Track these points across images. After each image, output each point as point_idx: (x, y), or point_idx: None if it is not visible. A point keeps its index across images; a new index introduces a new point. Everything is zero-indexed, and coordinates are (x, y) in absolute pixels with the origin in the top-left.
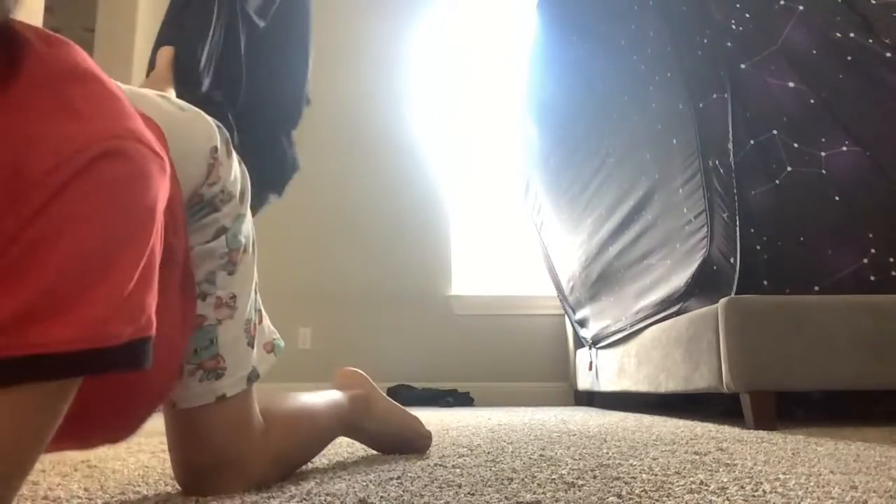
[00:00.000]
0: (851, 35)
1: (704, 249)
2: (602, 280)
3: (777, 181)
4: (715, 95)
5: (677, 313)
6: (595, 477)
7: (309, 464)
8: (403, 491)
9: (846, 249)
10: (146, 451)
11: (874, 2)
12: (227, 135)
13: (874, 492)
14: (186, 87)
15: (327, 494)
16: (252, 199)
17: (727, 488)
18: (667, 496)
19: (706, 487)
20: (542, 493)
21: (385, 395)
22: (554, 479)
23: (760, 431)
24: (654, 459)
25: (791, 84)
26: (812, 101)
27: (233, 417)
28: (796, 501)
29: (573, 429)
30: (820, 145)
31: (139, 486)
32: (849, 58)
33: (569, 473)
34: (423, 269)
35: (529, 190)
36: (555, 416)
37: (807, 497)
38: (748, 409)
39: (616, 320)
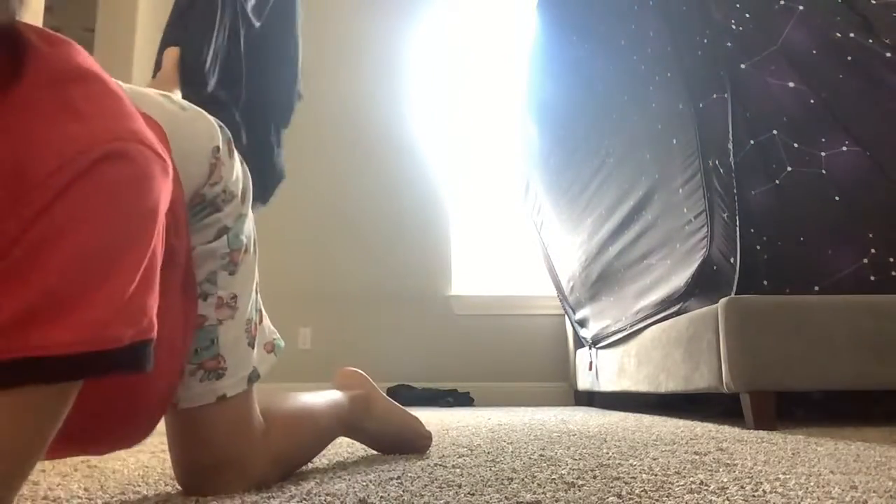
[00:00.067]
0: (851, 35)
1: (704, 249)
2: (602, 280)
3: (777, 181)
4: (715, 95)
5: (677, 313)
6: (595, 477)
7: (309, 464)
8: (403, 491)
9: (846, 249)
10: (146, 451)
11: (874, 2)
12: (229, 134)
13: (874, 492)
14: (192, 87)
15: (327, 494)
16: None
17: (727, 488)
18: (667, 496)
19: (706, 487)
20: (542, 493)
21: (385, 395)
22: (554, 479)
23: (760, 431)
24: (654, 459)
25: (791, 84)
26: (812, 101)
27: (233, 417)
28: (796, 501)
29: (573, 429)
30: (820, 145)
31: (139, 486)
32: (849, 58)
33: (569, 473)
34: (423, 269)
35: (529, 190)
36: (555, 416)
37: (807, 497)
38: (748, 409)
39: (616, 320)
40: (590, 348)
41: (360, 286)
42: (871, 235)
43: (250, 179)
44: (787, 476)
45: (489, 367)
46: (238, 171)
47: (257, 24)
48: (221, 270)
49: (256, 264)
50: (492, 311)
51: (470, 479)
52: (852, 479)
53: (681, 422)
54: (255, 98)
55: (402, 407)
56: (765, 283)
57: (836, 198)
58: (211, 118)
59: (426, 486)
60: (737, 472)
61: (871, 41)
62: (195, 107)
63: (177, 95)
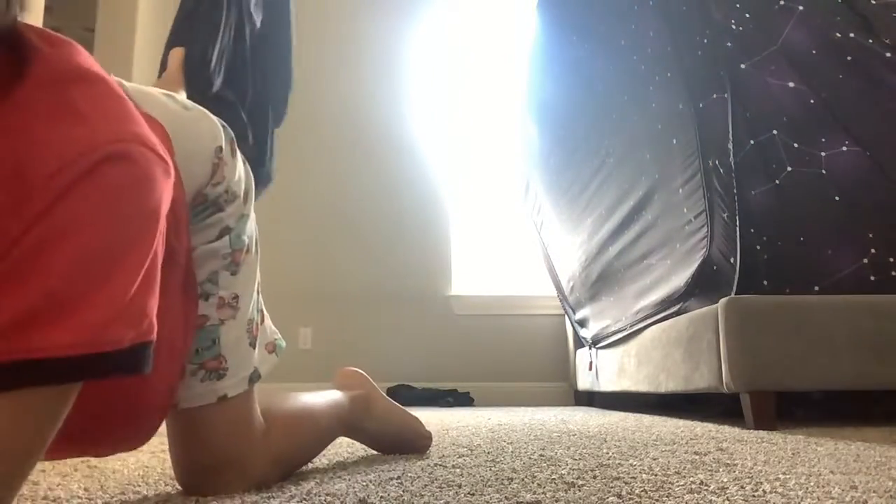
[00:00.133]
0: (851, 35)
1: (704, 249)
2: (602, 280)
3: (777, 181)
4: (715, 95)
5: (677, 313)
6: (595, 477)
7: (309, 464)
8: (403, 491)
9: (846, 249)
10: (146, 451)
11: (874, 2)
12: (232, 134)
13: (874, 492)
14: (197, 87)
15: (327, 494)
16: None
17: (727, 488)
18: (667, 496)
19: (706, 487)
20: (542, 493)
21: (385, 395)
22: (554, 479)
23: (760, 431)
24: (654, 459)
25: (791, 84)
26: (812, 101)
27: (234, 418)
28: (796, 501)
29: (573, 429)
30: (820, 145)
31: (139, 486)
32: (849, 58)
33: (569, 473)
34: (423, 269)
35: (529, 190)
36: (555, 416)
37: (807, 497)
38: (748, 409)
39: (616, 320)
40: (590, 348)
41: (360, 286)
42: (871, 235)
43: (253, 179)
44: (787, 476)
45: (489, 367)
46: (241, 171)
47: (258, 24)
48: (223, 270)
49: (258, 264)
50: (492, 311)
51: (470, 479)
52: (852, 479)
53: (681, 422)
54: (257, 98)
55: (402, 407)
56: (765, 283)
57: (836, 198)
58: (214, 118)
59: (426, 486)
60: (737, 472)
61: (871, 41)
62: (199, 106)
63: (181, 95)
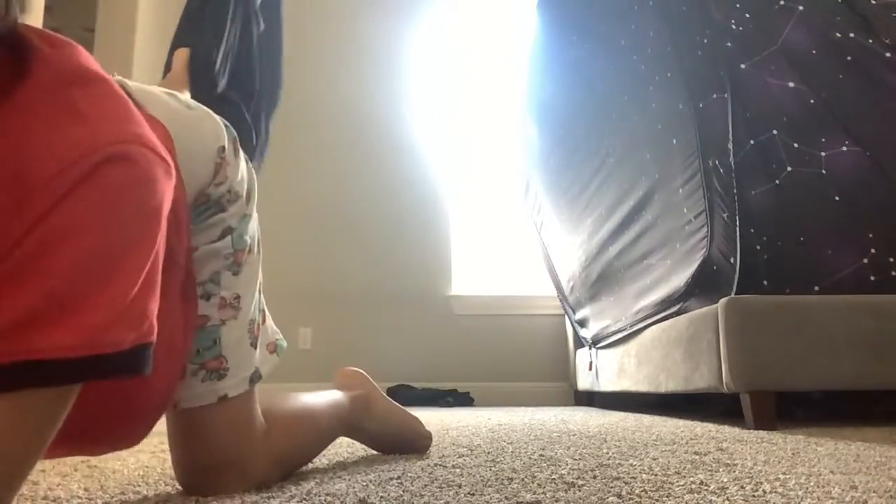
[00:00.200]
0: (851, 35)
1: (704, 249)
2: (602, 280)
3: (777, 181)
4: (715, 95)
5: (677, 313)
6: (595, 477)
7: (309, 464)
8: (403, 491)
9: (846, 249)
10: (146, 451)
11: (874, 2)
12: (235, 134)
13: (874, 492)
14: (202, 88)
15: (327, 494)
16: None
17: (727, 488)
18: (667, 496)
19: (706, 487)
20: (542, 493)
21: (385, 395)
22: (554, 479)
23: (760, 431)
24: (654, 459)
25: (791, 84)
26: (812, 101)
27: (234, 418)
28: (796, 501)
29: (573, 429)
30: (820, 145)
31: (139, 486)
32: (849, 58)
33: (569, 473)
34: (423, 269)
35: (529, 190)
36: (555, 416)
37: (807, 497)
38: (748, 409)
39: (616, 320)
40: (590, 348)
41: (360, 286)
42: (871, 235)
43: (255, 180)
44: (787, 476)
45: (489, 367)
46: (243, 171)
47: (262, 24)
48: (225, 271)
49: (260, 265)
50: (492, 311)
51: (470, 479)
52: (852, 479)
53: (681, 422)
54: (259, 98)
55: (403, 407)
56: (765, 283)
57: (836, 198)
58: (217, 118)
59: (426, 486)
60: (737, 472)
61: (871, 41)
62: (202, 106)
63: (185, 95)
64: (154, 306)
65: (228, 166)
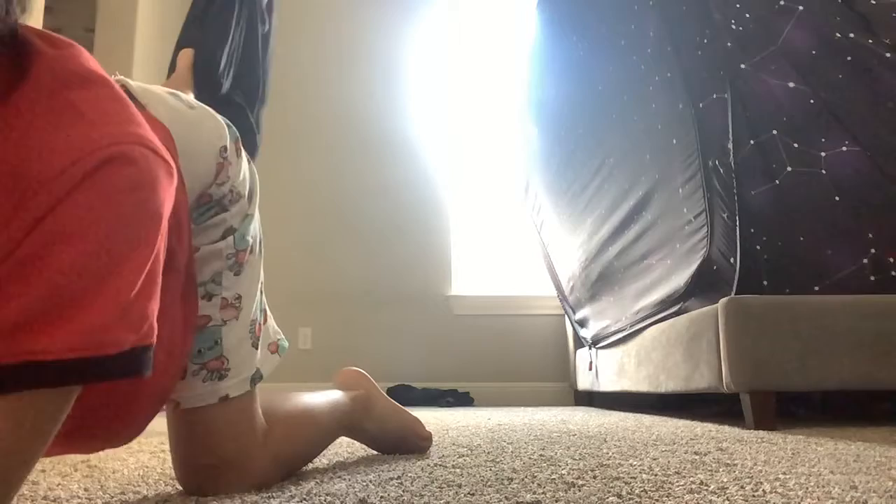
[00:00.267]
0: (851, 35)
1: (704, 249)
2: (602, 280)
3: (777, 181)
4: (715, 95)
5: (677, 313)
6: (595, 477)
7: (309, 464)
8: (403, 491)
9: (846, 249)
10: (146, 451)
11: (874, 2)
12: (237, 134)
13: (874, 492)
14: (206, 89)
15: (327, 494)
16: None
17: (727, 488)
18: (667, 496)
19: (706, 487)
20: (542, 493)
21: (385, 395)
22: (554, 479)
23: (760, 431)
24: (654, 459)
25: (791, 84)
26: (812, 101)
27: (235, 418)
28: (796, 501)
29: (573, 429)
30: (820, 145)
31: (139, 486)
32: (849, 58)
33: (569, 473)
34: (423, 269)
35: (529, 190)
36: (555, 416)
37: (807, 497)
38: (748, 409)
39: (616, 320)
40: (590, 348)
41: (360, 286)
42: (871, 235)
43: (257, 180)
44: (787, 476)
45: (489, 367)
46: (245, 171)
47: (268, 26)
48: (227, 271)
49: (262, 265)
50: (492, 311)
51: (470, 479)
52: (852, 479)
53: (681, 422)
54: (262, 100)
55: (403, 407)
56: (765, 283)
57: (836, 198)
58: (219, 117)
59: (426, 486)
60: (737, 472)
61: (871, 41)
62: (204, 106)
63: (188, 95)
64: (154, 308)
65: (230, 166)
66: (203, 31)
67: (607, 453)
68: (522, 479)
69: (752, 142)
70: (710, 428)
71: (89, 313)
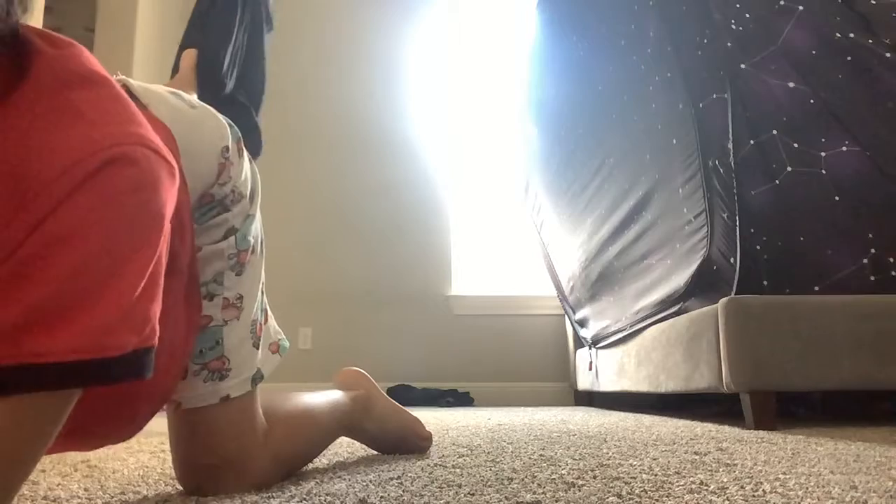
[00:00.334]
0: (851, 35)
1: (704, 249)
2: (602, 280)
3: (777, 181)
4: (715, 95)
5: (677, 313)
6: (595, 477)
7: (309, 464)
8: (403, 491)
9: (846, 249)
10: (146, 451)
11: (874, 2)
12: (239, 134)
13: (874, 492)
14: (209, 89)
15: (327, 494)
16: None
17: (727, 488)
18: (667, 496)
19: (706, 487)
20: (542, 493)
21: (386, 395)
22: (554, 479)
23: (760, 431)
24: (654, 459)
25: (791, 84)
26: (812, 101)
27: (236, 418)
28: (796, 501)
29: (573, 429)
30: (820, 145)
31: (139, 486)
32: (849, 58)
33: (569, 473)
34: (423, 269)
35: (529, 190)
36: (555, 416)
37: (807, 497)
38: (748, 409)
39: (616, 320)
40: (590, 348)
41: (360, 286)
42: (871, 235)
43: (259, 180)
44: (787, 476)
45: (489, 367)
46: (247, 171)
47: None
48: (228, 271)
49: (263, 265)
50: (492, 311)
51: (470, 479)
52: (852, 479)
53: (681, 422)
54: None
55: (403, 407)
56: (765, 283)
57: (836, 198)
58: (221, 117)
59: (426, 486)
60: (737, 472)
61: (871, 41)
62: (206, 105)
63: (191, 95)
64: (156, 310)
65: (232, 166)
66: (206, 32)
67: (607, 453)
68: (522, 479)
69: (752, 142)
70: (710, 428)
71: (91, 315)
